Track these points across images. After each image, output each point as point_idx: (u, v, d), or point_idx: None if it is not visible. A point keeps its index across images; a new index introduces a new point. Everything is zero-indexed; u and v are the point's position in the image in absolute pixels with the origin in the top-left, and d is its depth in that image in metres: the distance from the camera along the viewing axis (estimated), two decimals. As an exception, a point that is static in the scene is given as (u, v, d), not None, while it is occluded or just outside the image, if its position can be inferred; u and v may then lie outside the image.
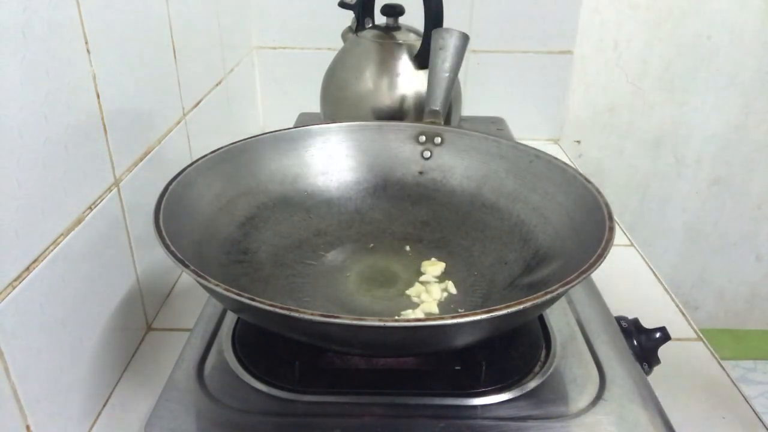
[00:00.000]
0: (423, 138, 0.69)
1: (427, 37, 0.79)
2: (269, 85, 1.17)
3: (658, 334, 0.57)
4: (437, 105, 0.72)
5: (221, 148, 0.62)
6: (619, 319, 0.59)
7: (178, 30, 0.72)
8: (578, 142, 1.27)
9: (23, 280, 0.43)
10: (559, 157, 0.62)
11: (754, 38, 1.17)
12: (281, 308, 0.39)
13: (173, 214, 0.51)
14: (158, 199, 0.51)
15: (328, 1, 0.95)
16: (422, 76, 0.84)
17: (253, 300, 0.40)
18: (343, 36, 0.92)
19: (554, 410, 0.47)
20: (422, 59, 0.83)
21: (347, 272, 0.61)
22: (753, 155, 1.29)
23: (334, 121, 0.71)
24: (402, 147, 0.70)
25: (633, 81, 1.21)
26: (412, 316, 0.55)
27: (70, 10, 0.48)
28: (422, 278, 0.60)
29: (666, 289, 0.74)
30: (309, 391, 0.49)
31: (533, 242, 0.59)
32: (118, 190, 0.57)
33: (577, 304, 0.60)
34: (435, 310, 0.56)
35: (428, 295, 0.57)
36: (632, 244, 0.84)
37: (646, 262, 0.80)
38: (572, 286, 0.42)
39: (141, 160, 0.62)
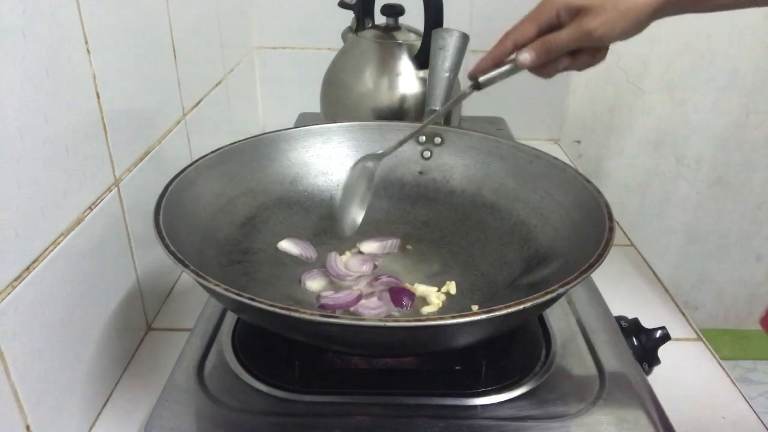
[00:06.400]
0: (423, 138, 0.69)
1: (427, 37, 0.79)
2: (269, 85, 1.17)
3: (658, 334, 0.57)
4: (437, 105, 0.72)
5: (221, 148, 0.62)
6: (619, 319, 0.59)
7: (178, 30, 0.72)
8: (578, 142, 1.27)
9: (23, 280, 0.43)
10: (559, 157, 0.62)
11: (754, 38, 1.17)
12: (281, 308, 0.39)
13: (173, 214, 0.51)
14: (158, 199, 0.51)
15: (328, 1, 0.95)
16: (422, 76, 0.84)
17: (253, 300, 0.40)
18: (343, 36, 0.92)
19: (554, 410, 0.47)
20: (422, 59, 0.83)
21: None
22: (753, 155, 1.29)
23: (334, 121, 0.71)
24: (402, 147, 0.70)
25: (633, 81, 1.21)
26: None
27: (70, 10, 0.48)
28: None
29: (666, 289, 0.74)
30: (309, 391, 0.49)
31: (533, 242, 0.59)
32: (118, 190, 0.57)
33: (577, 304, 0.60)
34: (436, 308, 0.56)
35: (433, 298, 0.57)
36: (632, 244, 0.84)
37: (646, 262, 0.80)
38: (572, 286, 0.42)
39: (141, 160, 0.62)
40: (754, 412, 0.56)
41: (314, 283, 0.59)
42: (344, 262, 0.62)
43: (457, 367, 0.51)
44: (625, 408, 0.47)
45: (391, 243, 0.64)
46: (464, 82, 1.09)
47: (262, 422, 0.47)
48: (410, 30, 0.89)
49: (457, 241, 0.65)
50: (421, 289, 0.58)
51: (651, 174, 1.31)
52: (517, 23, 0.55)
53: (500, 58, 0.55)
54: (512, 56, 0.54)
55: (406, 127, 0.70)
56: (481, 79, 0.56)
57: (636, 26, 0.50)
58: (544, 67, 0.54)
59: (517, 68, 0.54)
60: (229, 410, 0.47)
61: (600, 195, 0.54)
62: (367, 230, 0.67)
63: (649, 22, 0.51)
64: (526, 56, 0.53)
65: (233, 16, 1.00)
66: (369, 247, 0.64)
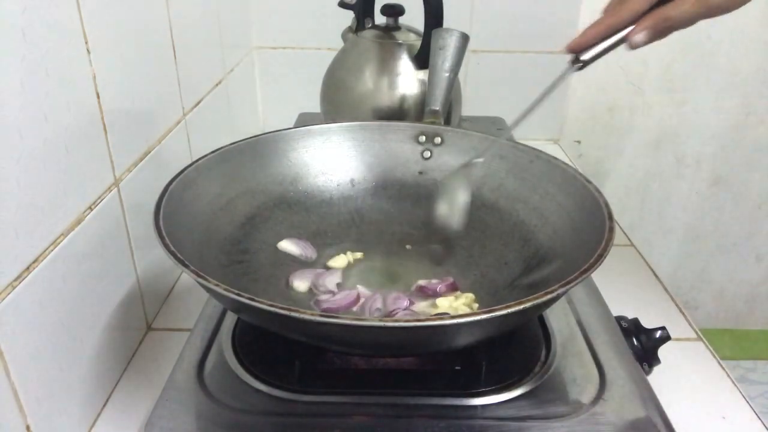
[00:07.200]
0: (423, 138, 0.69)
1: (427, 37, 0.79)
2: (269, 85, 1.17)
3: (658, 334, 0.57)
4: (437, 105, 0.72)
5: (221, 148, 0.62)
6: (619, 319, 0.59)
7: (178, 30, 0.72)
8: (578, 142, 1.27)
9: (23, 280, 0.43)
10: (559, 157, 0.62)
11: (754, 38, 1.17)
12: (281, 308, 0.39)
13: (173, 214, 0.51)
14: (158, 199, 0.51)
15: (328, 1, 0.95)
16: (422, 76, 0.84)
17: (253, 300, 0.40)
18: (343, 36, 0.92)
19: (554, 410, 0.47)
20: (422, 59, 0.83)
21: (347, 273, 0.61)
22: (753, 155, 1.28)
23: (334, 121, 0.71)
24: (402, 147, 0.70)
25: (633, 81, 1.21)
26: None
27: (70, 10, 0.48)
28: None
29: (666, 289, 0.74)
30: (309, 391, 0.49)
31: (533, 242, 0.59)
32: (118, 190, 0.57)
33: (577, 304, 0.60)
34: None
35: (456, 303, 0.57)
36: (632, 244, 0.84)
37: (646, 262, 0.80)
38: (572, 286, 0.42)
39: (141, 160, 0.62)
40: (754, 412, 0.56)
41: (302, 284, 0.59)
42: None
43: (457, 367, 0.51)
44: (625, 408, 0.47)
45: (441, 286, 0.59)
46: (465, 82, 1.09)
47: (262, 422, 0.47)
48: (410, 30, 0.89)
49: (457, 241, 0.65)
50: (444, 305, 0.56)
51: (651, 174, 1.31)
52: None
53: (616, 28, 0.48)
54: (622, 32, 0.48)
55: (406, 127, 0.70)
56: (586, 56, 0.49)
57: None
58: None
59: (622, 42, 0.48)
60: (229, 410, 0.47)
61: (600, 195, 0.54)
62: (367, 230, 0.67)
63: None
64: (641, 38, 0.47)
65: (233, 16, 1.00)
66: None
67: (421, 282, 0.59)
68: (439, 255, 0.63)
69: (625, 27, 0.48)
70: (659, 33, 0.48)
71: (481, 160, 0.56)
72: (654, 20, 0.47)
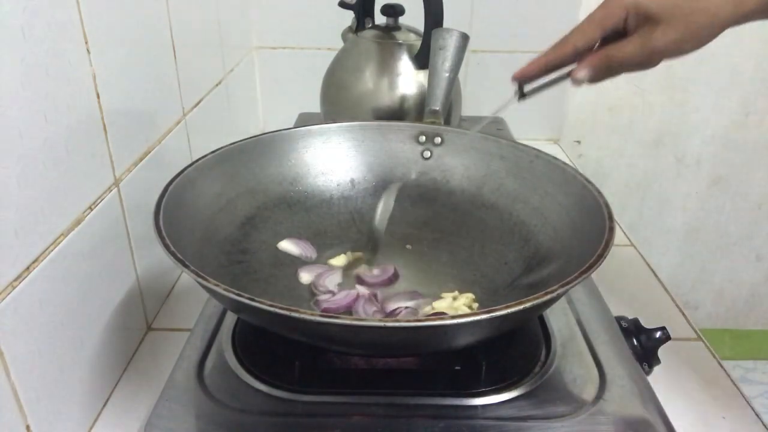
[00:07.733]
0: (423, 138, 0.69)
1: (427, 37, 0.79)
2: (269, 85, 1.17)
3: (658, 334, 0.57)
4: (437, 105, 0.72)
5: (221, 148, 0.62)
6: (619, 319, 0.59)
7: (178, 30, 0.72)
8: (578, 142, 1.27)
9: (23, 280, 0.43)
10: (559, 157, 0.62)
11: (754, 38, 1.17)
12: (281, 308, 0.39)
13: (173, 214, 0.51)
14: (158, 199, 0.51)
15: (328, 1, 0.95)
16: (422, 76, 0.84)
17: (253, 300, 0.40)
18: (343, 36, 0.92)
19: (554, 410, 0.47)
20: (422, 59, 0.83)
21: (347, 273, 0.61)
22: (753, 155, 1.29)
23: (334, 121, 0.71)
24: (402, 147, 0.70)
25: (633, 81, 1.21)
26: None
27: (70, 10, 0.48)
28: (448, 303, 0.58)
29: (666, 289, 0.74)
30: (309, 391, 0.49)
31: (533, 242, 0.59)
32: (118, 190, 0.57)
33: (577, 304, 0.60)
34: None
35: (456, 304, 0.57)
36: (632, 244, 0.84)
37: (646, 262, 0.80)
38: (572, 286, 0.42)
39: (141, 160, 0.62)
40: (754, 412, 0.56)
41: (306, 276, 0.60)
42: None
43: (457, 367, 0.51)
44: (625, 408, 0.47)
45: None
46: (465, 82, 1.09)
47: (262, 422, 0.47)
48: (410, 30, 0.89)
49: (457, 241, 0.65)
50: (443, 305, 0.56)
51: (651, 174, 1.31)
52: (580, 24, 0.48)
53: (556, 63, 0.49)
54: (566, 68, 0.48)
55: (406, 127, 0.70)
56: (528, 89, 0.50)
57: (703, 46, 0.45)
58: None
59: (567, 78, 0.48)
60: (229, 410, 0.47)
61: (600, 195, 0.54)
62: (366, 230, 0.67)
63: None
64: (584, 74, 0.47)
65: (233, 16, 1.00)
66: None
67: (360, 272, 0.60)
68: (439, 254, 0.63)
69: (567, 63, 0.49)
70: (602, 72, 0.48)
71: (399, 184, 0.62)
72: (597, 59, 0.47)
